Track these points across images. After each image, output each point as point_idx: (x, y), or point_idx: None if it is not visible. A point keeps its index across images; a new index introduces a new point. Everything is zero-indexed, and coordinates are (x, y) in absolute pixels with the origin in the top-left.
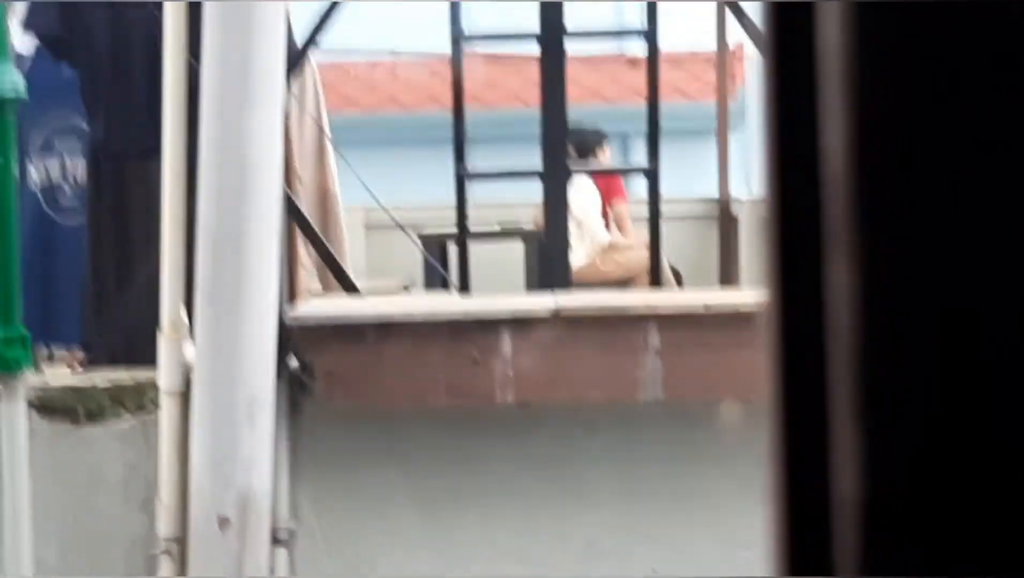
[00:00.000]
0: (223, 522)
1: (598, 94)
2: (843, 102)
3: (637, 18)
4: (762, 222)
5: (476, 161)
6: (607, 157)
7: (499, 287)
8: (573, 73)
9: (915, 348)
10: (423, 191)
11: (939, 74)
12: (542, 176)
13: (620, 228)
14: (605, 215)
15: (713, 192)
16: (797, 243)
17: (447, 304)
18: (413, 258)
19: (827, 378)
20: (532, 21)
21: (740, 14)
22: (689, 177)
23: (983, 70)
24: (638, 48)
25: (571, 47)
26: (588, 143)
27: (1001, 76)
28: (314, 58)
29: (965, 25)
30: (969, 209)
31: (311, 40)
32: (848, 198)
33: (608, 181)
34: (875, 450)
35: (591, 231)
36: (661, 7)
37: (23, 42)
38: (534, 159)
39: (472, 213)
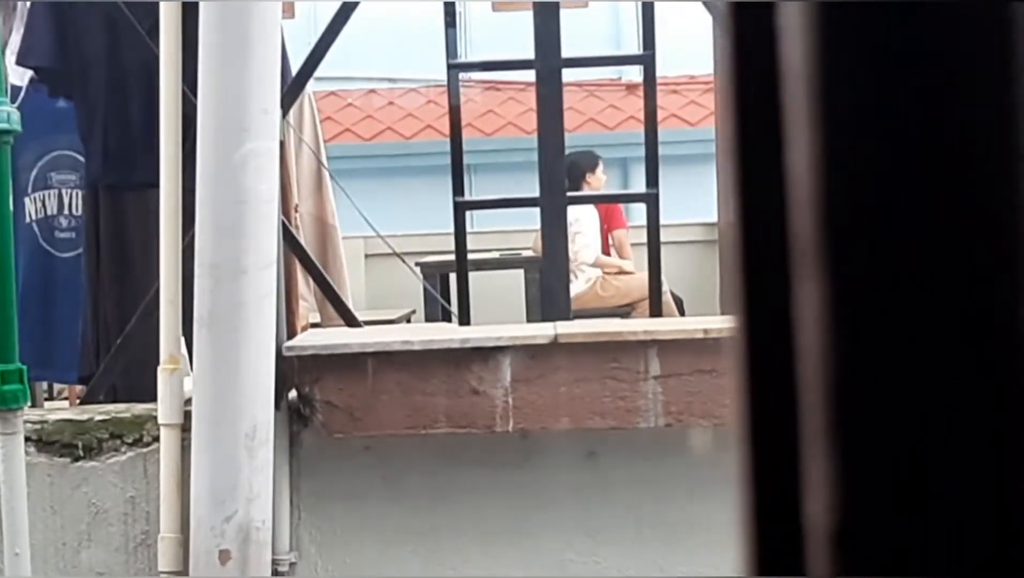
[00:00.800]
0: (224, 555)
1: (597, 121)
2: (808, 118)
3: (634, 44)
4: (729, 243)
5: (475, 189)
6: (600, 180)
7: (501, 316)
8: (571, 100)
9: (887, 368)
10: (422, 220)
11: (908, 85)
12: (540, 204)
13: (620, 254)
14: (605, 241)
15: (713, 217)
16: (764, 264)
17: (446, 333)
18: (413, 288)
19: (796, 401)
20: (529, 49)
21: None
22: (689, 202)
23: (953, 80)
24: (636, 74)
25: (569, 74)
26: (580, 168)
27: (975, 86)
28: (311, 87)
29: (933, 33)
30: (940, 225)
31: (308, 69)
32: (815, 216)
33: (608, 208)
34: (846, 474)
35: (579, 245)
36: (659, 32)
37: (17, 73)
38: (533, 187)
39: (473, 242)
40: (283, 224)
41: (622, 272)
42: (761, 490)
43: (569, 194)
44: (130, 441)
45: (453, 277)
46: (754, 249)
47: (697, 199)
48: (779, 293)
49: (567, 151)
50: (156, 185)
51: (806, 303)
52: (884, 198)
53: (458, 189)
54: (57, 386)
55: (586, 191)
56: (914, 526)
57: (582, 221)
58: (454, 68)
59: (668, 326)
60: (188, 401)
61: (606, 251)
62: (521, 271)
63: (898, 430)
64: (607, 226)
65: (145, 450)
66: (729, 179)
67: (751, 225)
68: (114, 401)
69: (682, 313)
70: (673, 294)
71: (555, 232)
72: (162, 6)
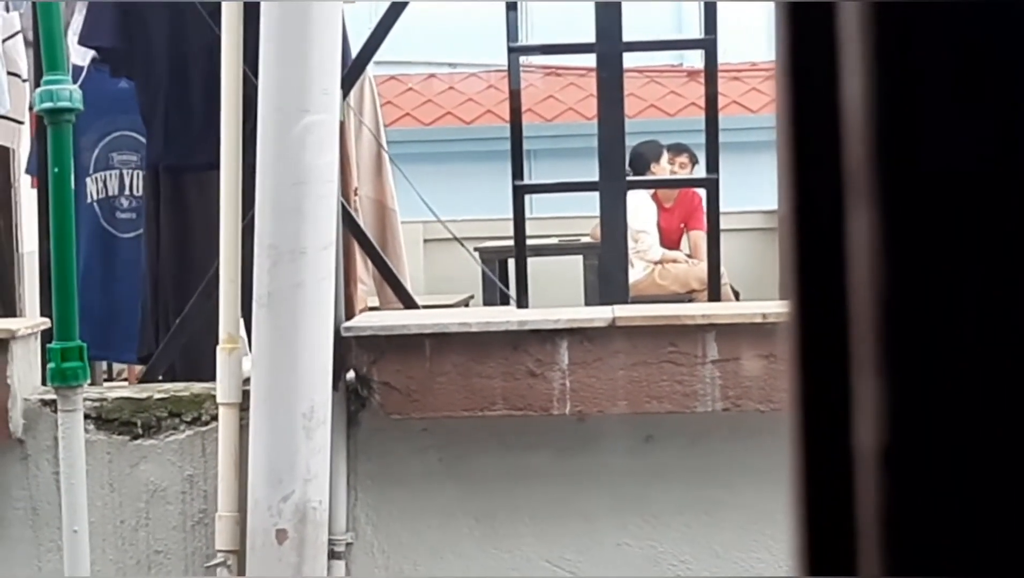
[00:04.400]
0: (281, 535)
1: (657, 107)
2: (865, 108)
3: (696, 31)
4: (783, 175)
5: (535, 175)
6: (665, 171)
7: (559, 303)
8: (632, 86)
9: (940, 297)
10: (482, 206)
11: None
12: (599, 188)
13: (694, 255)
14: (679, 236)
15: (773, 205)
16: (816, 190)
17: (504, 315)
18: (472, 273)
19: (847, 328)
20: (590, 33)
21: None
22: (749, 191)
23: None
24: (697, 61)
25: (630, 60)
26: (644, 159)
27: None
28: (372, 71)
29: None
30: (989, 157)
31: (369, 52)
32: (868, 143)
33: (691, 208)
34: (897, 400)
35: (646, 245)
36: (721, 19)
37: (79, 53)
38: (593, 173)
39: (533, 228)
40: (342, 206)
41: (678, 261)
42: (811, 416)
43: (628, 179)
44: (188, 420)
45: (512, 263)
46: (807, 173)
47: (757, 187)
48: (832, 221)
49: (631, 140)
50: (216, 166)
51: (858, 231)
52: (937, 128)
53: (517, 173)
54: (117, 367)
55: None
56: (960, 447)
57: (639, 217)
58: (514, 52)
59: (726, 310)
60: (246, 381)
61: (676, 246)
62: (580, 257)
63: (946, 354)
64: (685, 224)
65: (203, 429)
66: (782, 104)
67: (804, 151)
68: (173, 380)
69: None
70: (732, 288)
71: (614, 217)
72: None
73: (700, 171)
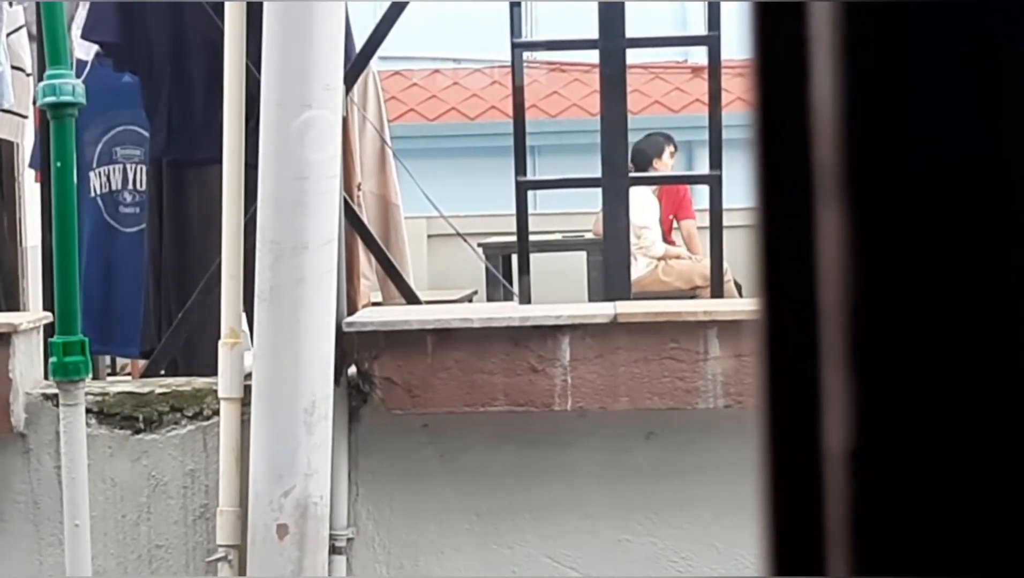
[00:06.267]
0: (282, 529)
1: (662, 103)
2: (834, 107)
3: (700, 26)
4: (753, 174)
5: (539, 171)
6: (667, 166)
7: (562, 298)
8: (636, 82)
9: (910, 297)
10: (485, 201)
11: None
12: (602, 184)
13: (689, 245)
14: (668, 227)
15: None
16: (786, 188)
17: (506, 311)
18: (476, 269)
19: (816, 327)
20: (593, 29)
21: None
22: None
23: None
24: (702, 57)
25: (634, 56)
26: (646, 155)
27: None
28: (376, 66)
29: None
30: (956, 155)
31: (372, 47)
32: (837, 142)
33: (677, 197)
34: (866, 401)
35: (648, 241)
36: (725, 15)
37: (83, 48)
38: (597, 169)
39: (536, 224)
40: (345, 202)
41: (681, 257)
42: (779, 415)
43: (631, 175)
44: (190, 414)
45: (515, 258)
46: (777, 171)
47: None
48: (801, 218)
49: (634, 136)
50: (219, 161)
51: (827, 228)
52: (905, 124)
53: (520, 169)
54: (120, 361)
55: None
56: (928, 446)
57: (643, 213)
58: (518, 47)
59: (728, 307)
60: (248, 376)
61: (667, 239)
62: (583, 253)
63: (914, 354)
64: (674, 215)
65: (205, 424)
66: (752, 105)
67: (774, 148)
68: (175, 375)
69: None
70: (735, 283)
71: (617, 213)
72: None
73: (703, 167)
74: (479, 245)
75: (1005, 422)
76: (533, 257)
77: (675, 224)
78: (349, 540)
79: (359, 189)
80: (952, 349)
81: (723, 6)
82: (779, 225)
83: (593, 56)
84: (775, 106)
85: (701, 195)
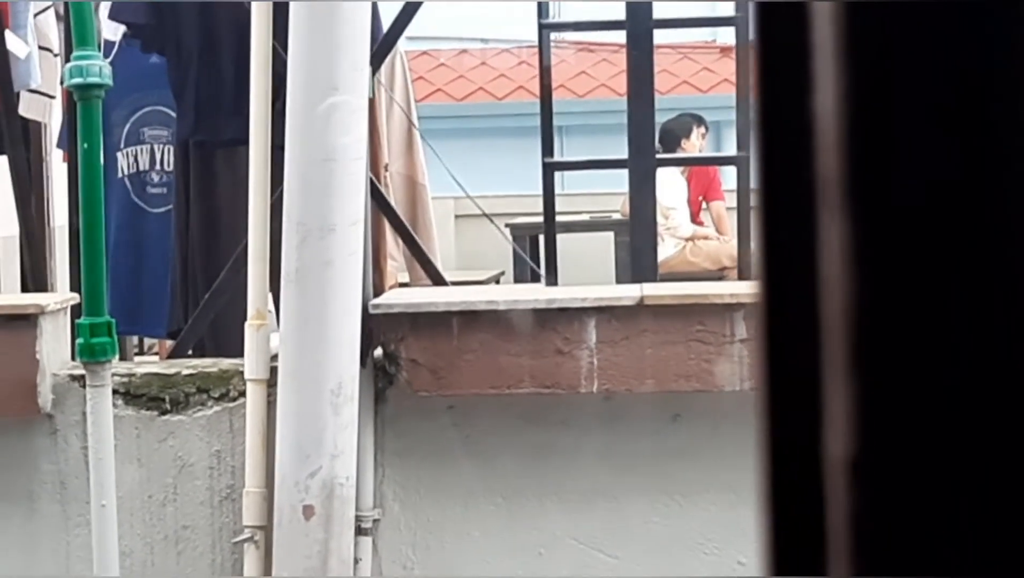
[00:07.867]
0: (308, 510)
1: (690, 83)
2: (837, 118)
3: (728, 7)
4: (757, 182)
5: (567, 151)
6: (695, 147)
7: (589, 279)
8: (665, 62)
9: (912, 307)
10: (513, 181)
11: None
12: (628, 165)
13: (718, 227)
14: (697, 208)
15: None
16: (789, 197)
17: (532, 293)
18: (503, 249)
19: (818, 335)
20: (621, 10)
21: None
22: None
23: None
24: (730, 37)
25: (663, 36)
26: (675, 135)
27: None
28: (403, 46)
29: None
30: (958, 164)
31: (399, 28)
32: (840, 152)
33: (707, 180)
34: (868, 409)
35: (676, 223)
36: None
37: (110, 28)
38: (625, 150)
39: (564, 204)
40: (372, 183)
41: (709, 238)
42: (781, 423)
43: (658, 156)
44: (216, 396)
45: (543, 239)
46: (779, 181)
47: None
48: (803, 227)
49: (663, 116)
50: (246, 142)
51: (830, 240)
52: (908, 135)
53: (547, 149)
54: (149, 342)
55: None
56: (929, 454)
57: (672, 194)
58: (545, 28)
59: (754, 289)
60: (274, 357)
61: (695, 219)
62: (611, 234)
63: (916, 363)
64: (703, 196)
65: (231, 405)
66: (756, 114)
67: (776, 157)
68: (202, 356)
69: None
70: None
71: (643, 194)
72: None
73: (731, 147)
74: (506, 225)
75: (1005, 431)
76: (560, 238)
77: (704, 205)
78: (375, 521)
79: (386, 170)
80: (953, 358)
81: None
82: (781, 234)
83: (621, 36)
84: (778, 115)
85: (729, 175)
